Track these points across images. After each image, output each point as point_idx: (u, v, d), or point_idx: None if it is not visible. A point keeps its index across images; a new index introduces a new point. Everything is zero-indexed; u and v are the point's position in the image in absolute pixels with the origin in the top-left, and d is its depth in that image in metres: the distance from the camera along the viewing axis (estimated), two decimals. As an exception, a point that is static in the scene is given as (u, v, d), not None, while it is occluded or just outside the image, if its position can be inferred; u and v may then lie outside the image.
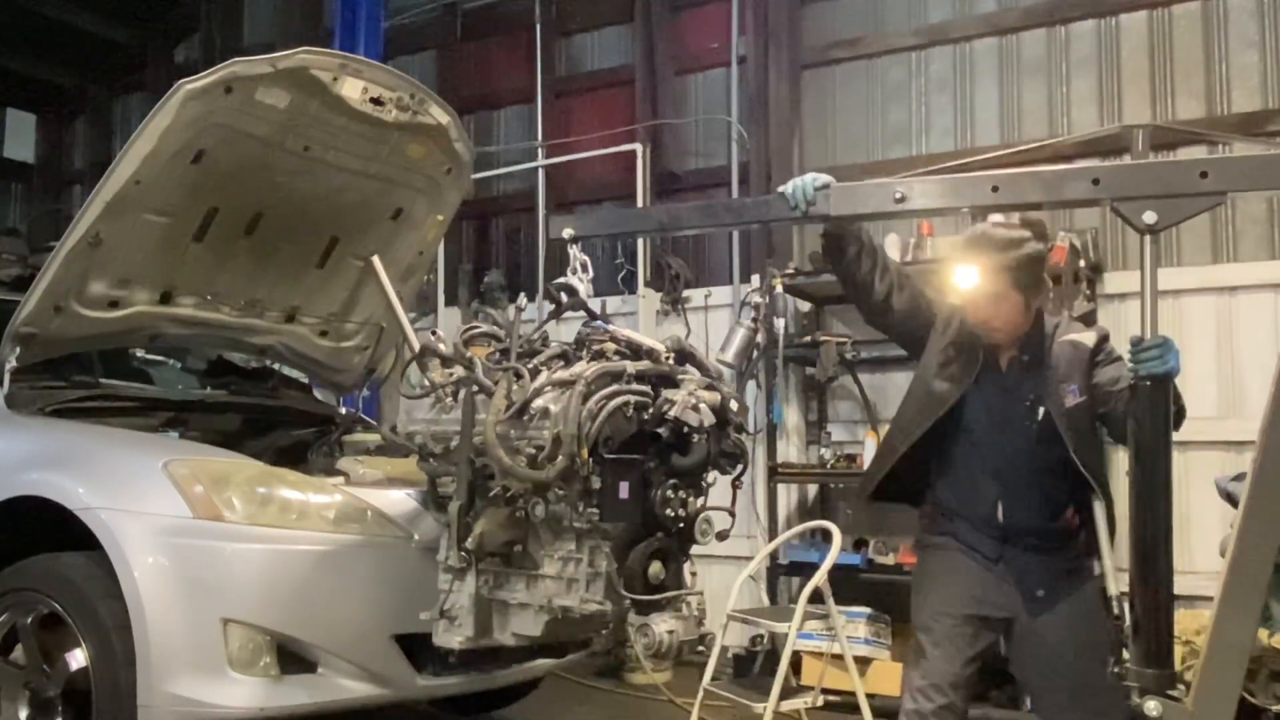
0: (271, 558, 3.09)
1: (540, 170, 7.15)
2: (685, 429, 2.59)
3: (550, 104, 7.26)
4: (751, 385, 5.93)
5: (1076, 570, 2.85)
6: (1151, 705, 2.10)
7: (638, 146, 6.57)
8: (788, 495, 5.96)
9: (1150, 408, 2.27)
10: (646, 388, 2.67)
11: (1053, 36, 5.80)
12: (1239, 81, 5.36)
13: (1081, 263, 5.01)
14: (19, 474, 3.31)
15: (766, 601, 5.62)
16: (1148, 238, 2.19)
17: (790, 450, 5.96)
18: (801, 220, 2.69)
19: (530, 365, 2.73)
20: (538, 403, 2.62)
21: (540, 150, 7.19)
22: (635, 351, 2.76)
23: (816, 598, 4.08)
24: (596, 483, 2.55)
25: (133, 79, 9.23)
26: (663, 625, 2.55)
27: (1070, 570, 2.83)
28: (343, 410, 4.86)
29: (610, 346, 2.74)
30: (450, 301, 7.25)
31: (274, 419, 4.52)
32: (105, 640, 3.00)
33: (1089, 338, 2.83)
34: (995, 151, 5.80)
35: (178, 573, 3.01)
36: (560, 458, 2.51)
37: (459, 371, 2.82)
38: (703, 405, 2.61)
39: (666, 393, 2.65)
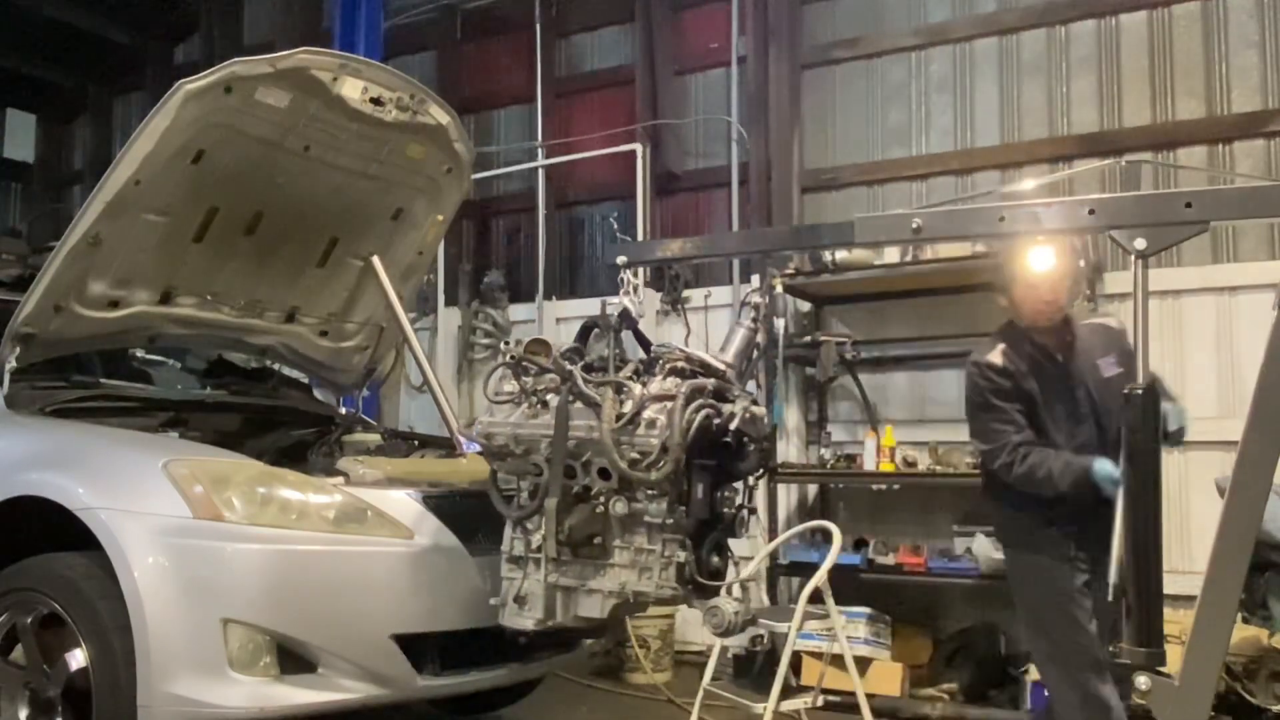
0: (271, 558, 3.08)
1: (540, 170, 7.15)
2: (745, 438, 2.94)
3: (550, 104, 7.26)
4: (751, 385, 5.93)
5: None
6: (1142, 680, 2.28)
7: (638, 146, 6.58)
8: (788, 495, 5.96)
9: (1142, 415, 2.47)
10: (715, 401, 2.95)
11: (1053, 36, 5.80)
12: (1239, 81, 5.36)
13: (1081, 263, 5.00)
14: (19, 474, 3.31)
15: (766, 601, 5.62)
16: (1139, 261, 2.35)
17: (790, 450, 5.95)
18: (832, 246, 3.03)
19: (620, 378, 3.02)
20: (645, 414, 2.91)
21: (540, 150, 7.20)
22: (703, 368, 3.07)
23: (816, 598, 4.08)
24: (684, 484, 2.87)
25: (133, 79, 9.22)
26: (730, 606, 2.86)
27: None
28: (343, 410, 4.86)
29: (683, 365, 3.05)
30: (450, 301, 7.25)
31: (274, 419, 4.52)
32: (105, 640, 3.00)
33: (1114, 321, 3.44)
34: (995, 152, 5.85)
35: (178, 573, 3.01)
36: (666, 462, 2.80)
37: (532, 381, 3.10)
38: (758, 417, 2.97)
39: (724, 406, 2.94)
